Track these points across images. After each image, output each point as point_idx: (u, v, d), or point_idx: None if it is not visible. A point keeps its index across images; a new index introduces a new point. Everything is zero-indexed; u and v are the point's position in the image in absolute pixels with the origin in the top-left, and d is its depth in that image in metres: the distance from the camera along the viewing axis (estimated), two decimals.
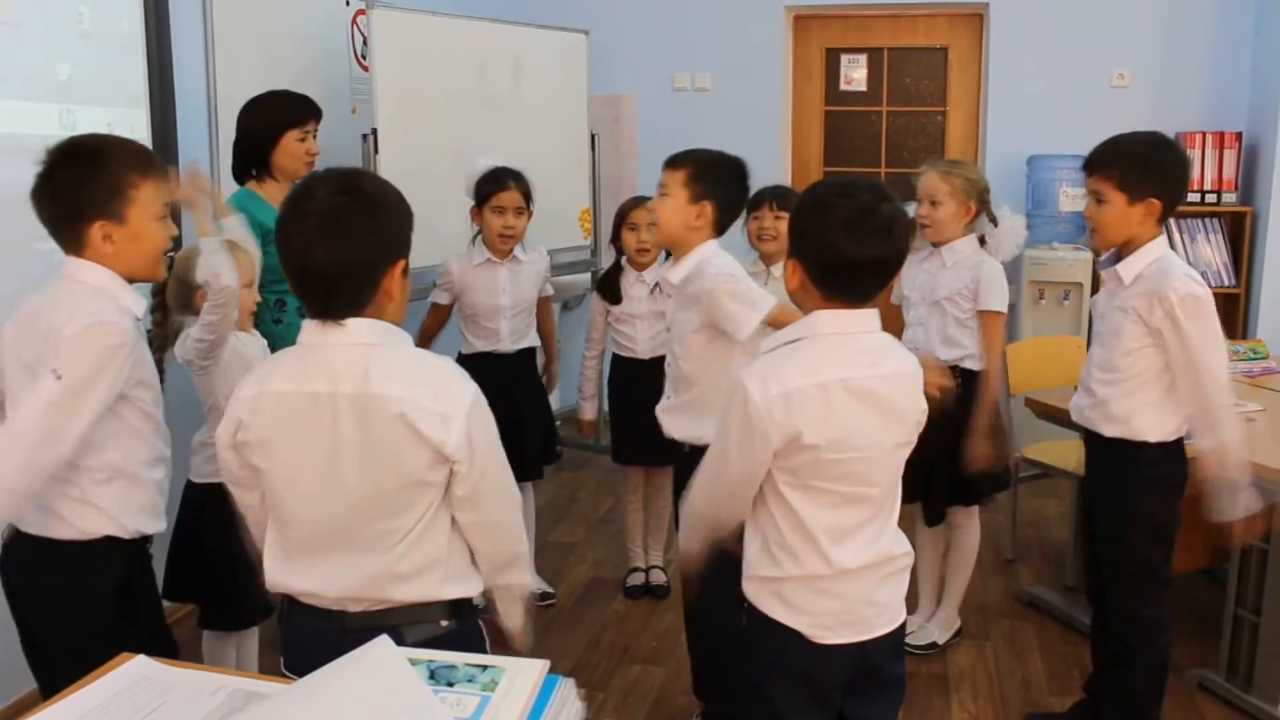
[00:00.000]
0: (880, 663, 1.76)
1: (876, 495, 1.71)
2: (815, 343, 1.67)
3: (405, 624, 1.56)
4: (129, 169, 1.84)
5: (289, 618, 1.64)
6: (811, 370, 1.64)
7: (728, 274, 2.38)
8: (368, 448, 1.52)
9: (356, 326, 1.54)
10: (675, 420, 2.55)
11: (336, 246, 1.49)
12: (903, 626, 1.81)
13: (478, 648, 1.64)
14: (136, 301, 1.88)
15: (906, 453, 1.74)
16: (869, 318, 1.69)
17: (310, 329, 1.56)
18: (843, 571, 1.69)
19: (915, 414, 1.72)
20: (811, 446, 1.63)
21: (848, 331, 1.68)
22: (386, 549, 1.55)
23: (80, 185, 1.81)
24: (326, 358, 1.53)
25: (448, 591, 1.60)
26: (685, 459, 2.45)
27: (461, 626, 1.62)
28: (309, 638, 1.60)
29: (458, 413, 1.53)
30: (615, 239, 3.59)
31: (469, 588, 1.64)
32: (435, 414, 1.51)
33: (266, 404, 1.54)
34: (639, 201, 3.51)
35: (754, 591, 1.77)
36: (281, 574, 1.61)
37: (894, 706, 1.85)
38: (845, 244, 1.63)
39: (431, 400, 1.52)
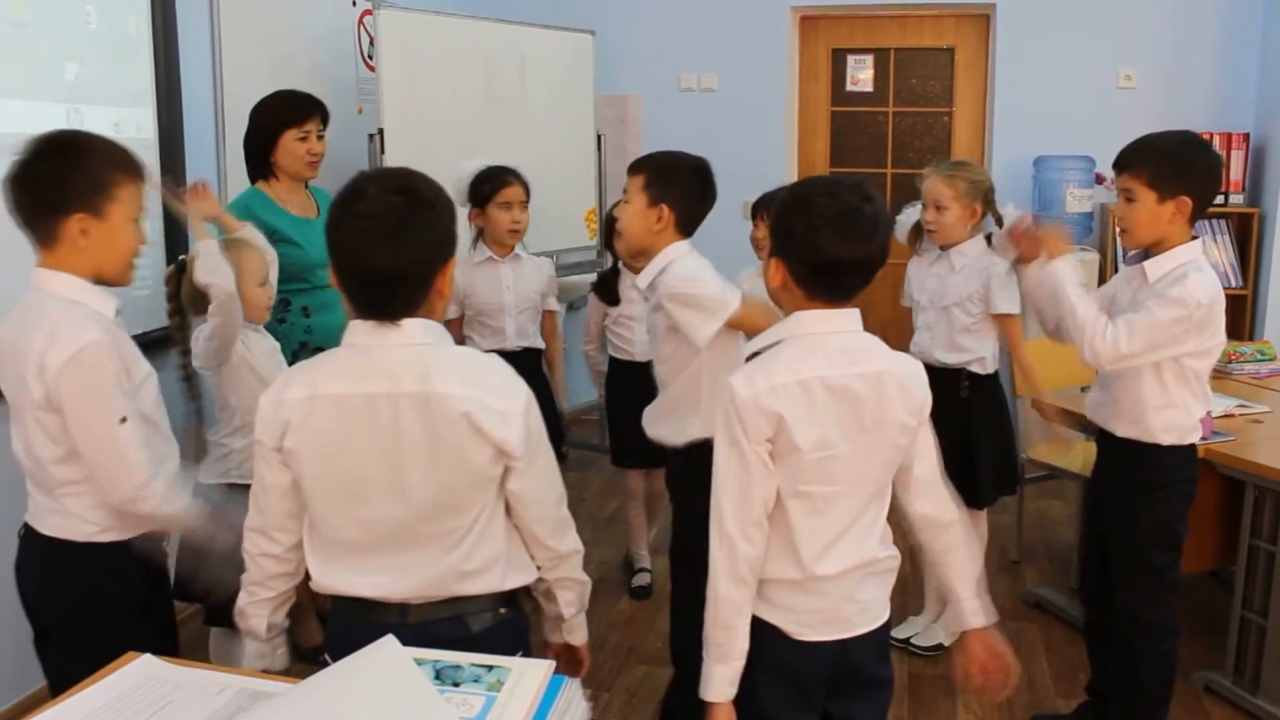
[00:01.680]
0: (861, 661, 1.74)
1: (857, 498, 1.68)
2: (797, 343, 1.66)
3: (468, 614, 1.59)
4: (113, 167, 1.83)
5: (338, 616, 1.64)
6: (794, 369, 1.63)
7: (688, 278, 2.30)
8: (434, 447, 1.52)
9: (412, 327, 1.54)
10: (652, 421, 2.51)
11: (397, 247, 1.49)
12: (887, 625, 1.79)
13: (524, 633, 1.68)
14: (107, 304, 1.85)
15: (893, 456, 1.71)
16: (850, 317, 1.69)
17: (361, 330, 1.55)
18: (822, 577, 1.68)
19: (902, 415, 1.68)
20: (796, 447, 1.61)
21: (829, 331, 1.67)
22: (451, 547, 1.57)
23: (65, 175, 1.79)
24: (383, 358, 1.53)
25: (509, 583, 1.63)
26: (677, 458, 2.45)
27: (515, 613, 1.66)
28: (365, 634, 1.51)
29: (516, 409, 1.55)
30: (607, 242, 3.58)
31: (525, 577, 1.67)
32: (497, 412, 1.53)
33: (321, 407, 1.52)
34: None
35: None
36: (331, 576, 1.60)
37: (881, 707, 1.83)
38: (831, 244, 1.61)
39: (493, 399, 1.53)
